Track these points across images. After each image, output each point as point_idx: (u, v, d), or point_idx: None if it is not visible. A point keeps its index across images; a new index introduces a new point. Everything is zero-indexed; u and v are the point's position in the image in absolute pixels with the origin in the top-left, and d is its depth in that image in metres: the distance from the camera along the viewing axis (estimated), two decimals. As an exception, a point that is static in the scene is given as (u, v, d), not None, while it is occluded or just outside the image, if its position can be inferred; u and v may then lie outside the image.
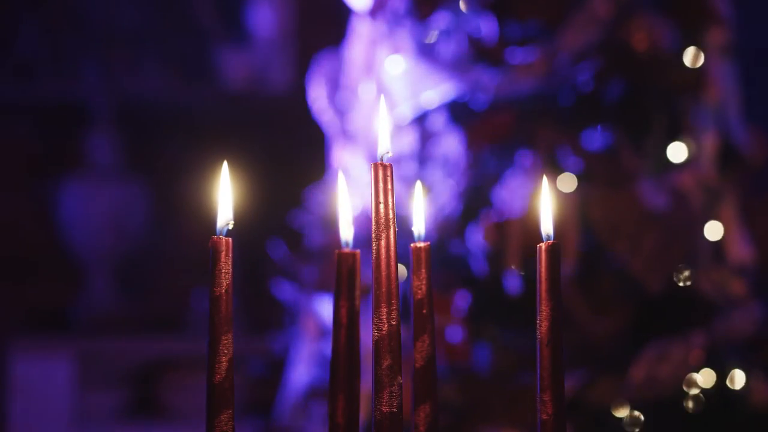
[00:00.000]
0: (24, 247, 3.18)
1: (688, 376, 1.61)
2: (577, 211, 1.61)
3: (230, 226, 0.72)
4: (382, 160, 0.72)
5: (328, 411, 0.70)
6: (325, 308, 1.79)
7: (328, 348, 1.55)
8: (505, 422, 1.63)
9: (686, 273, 1.64)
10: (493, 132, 1.69)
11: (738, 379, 1.64)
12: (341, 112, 1.87)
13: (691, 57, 1.69)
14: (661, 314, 1.67)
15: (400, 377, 0.70)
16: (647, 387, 1.58)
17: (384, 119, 0.73)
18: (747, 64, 1.81)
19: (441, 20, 1.75)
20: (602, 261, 1.65)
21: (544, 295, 0.72)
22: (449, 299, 1.68)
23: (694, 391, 1.62)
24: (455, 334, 1.67)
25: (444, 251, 1.70)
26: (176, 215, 3.23)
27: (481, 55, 1.71)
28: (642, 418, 1.59)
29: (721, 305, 1.66)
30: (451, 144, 1.72)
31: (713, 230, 1.68)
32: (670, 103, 1.69)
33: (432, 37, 1.75)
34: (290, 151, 3.02)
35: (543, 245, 0.72)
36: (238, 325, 2.81)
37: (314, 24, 3.01)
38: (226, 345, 0.70)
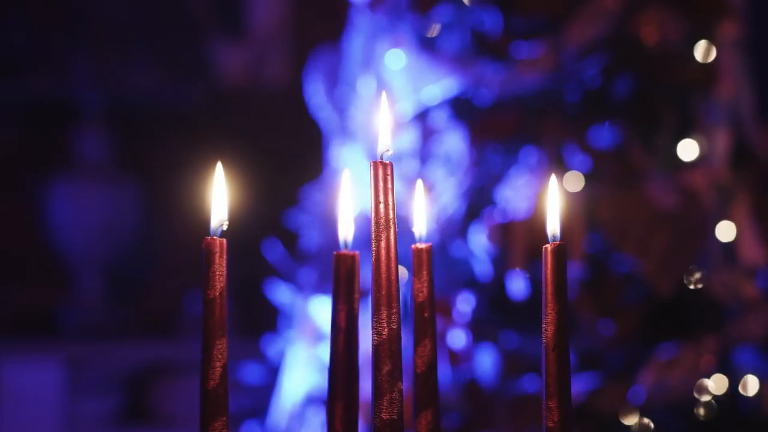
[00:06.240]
0: (11, 248, 3.16)
1: (700, 381, 1.58)
2: (584, 211, 1.59)
3: (225, 227, 0.71)
4: (382, 158, 0.70)
5: (327, 418, 0.69)
6: (322, 311, 1.76)
7: (325, 353, 1.51)
8: (509, 430, 1.59)
9: (697, 275, 1.60)
10: (497, 129, 1.66)
11: (751, 384, 1.61)
12: (340, 109, 1.85)
13: (702, 51, 1.65)
14: (671, 317, 1.64)
15: (400, 383, 0.69)
16: (657, 393, 1.55)
17: (384, 116, 0.72)
18: (760, 58, 1.78)
19: (443, 13, 1.72)
20: (610, 262, 1.63)
21: (550, 297, 0.71)
22: (451, 302, 1.65)
23: (706, 398, 1.58)
24: (458, 338, 1.64)
25: (446, 252, 1.67)
26: (169, 215, 3.21)
27: (484, 49, 1.68)
28: (652, 425, 1.56)
29: (733, 308, 1.63)
30: (453, 141, 1.69)
31: (725, 231, 1.65)
32: (681, 99, 1.67)
33: (434, 30, 1.72)
34: (287, 149, 3.01)
35: (549, 246, 0.71)
36: (232, 329, 2.77)
37: (312, 17, 2.99)
38: (221, 350, 0.69)
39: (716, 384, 1.60)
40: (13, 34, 3.01)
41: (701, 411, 1.59)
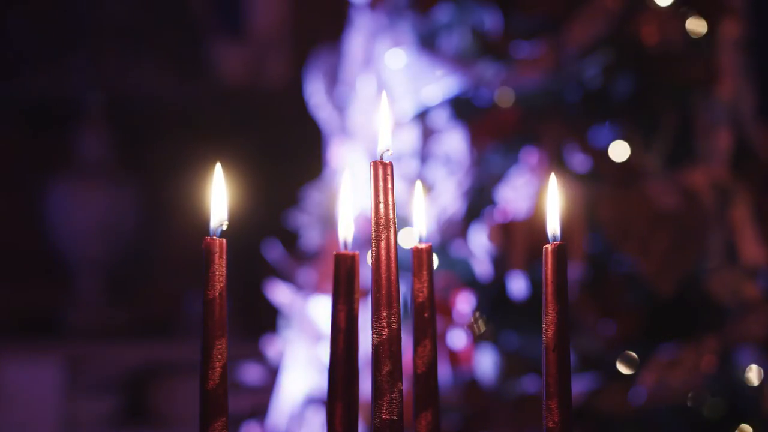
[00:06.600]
0: (11, 248, 3.15)
1: (700, 381, 1.57)
2: (584, 211, 1.58)
3: (224, 227, 0.71)
4: (382, 158, 0.70)
5: (327, 418, 0.68)
6: (322, 312, 1.75)
7: (325, 353, 1.50)
8: (509, 431, 1.59)
9: (698, 275, 1.60)
10: (497, 129, 1.65)
11: (751, 384, 1.61)
12: (340, 108, 1.84)
13: (703, 51, 1.65)
14: (672, 318, 1.63)
15: (400, 383, 0.69)
16: (658, 394, 1.54)
17: (384, 115, 0.72)
18: (761, 57, 1.77)
19: (443, 12, 1.71)
20: (611, 263, 1.62)
21: (550, 298, 0.71)
22: (452, 302, 1.64)
23: (707, 398, 1.58)
24: (458, 338, 1.63)
25: (446, 253, 1.66)
26: (168, 215, 3.20)
27: (485, 48, 1.68)
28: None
29: (733, 308, 1.63)
30: (453, 141, 1.68)
31: (726, 231, 1.65)
32: (681, 99, 1.66)
33: (434, 29, 1.71)
34: (287, 149, 3.00)
35: (549, 246, 0.71)
36: (232, 330, 2.76)
37: (312, 16, 2.99)
38: (220, 350, 0.69)
39: (717, 384, 1.59)
40: (12, 33, 3.00)
41: (702, 411, 1.59)
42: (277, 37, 3.02)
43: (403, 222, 1.58)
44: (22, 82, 3.04)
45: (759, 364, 1.63)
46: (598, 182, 1.61)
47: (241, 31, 3.07)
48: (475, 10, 1.69)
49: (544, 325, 0.70)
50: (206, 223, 0.71)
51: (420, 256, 0.76)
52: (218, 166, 0.72)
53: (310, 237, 1.87)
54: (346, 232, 0.71)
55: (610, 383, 1.58)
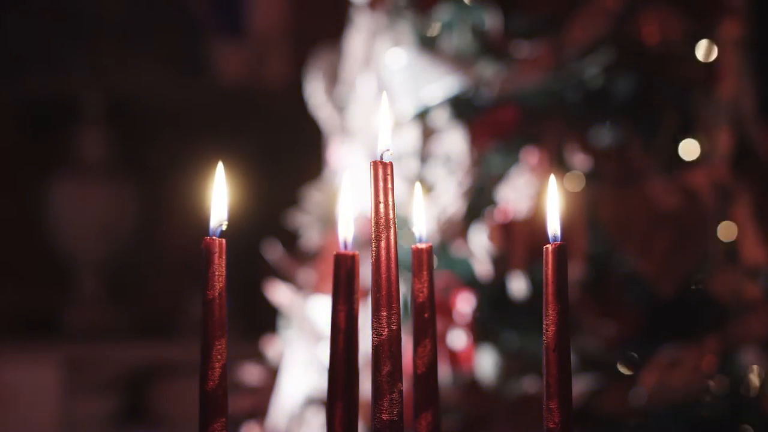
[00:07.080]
0: (11, 248, 3.15)
1: (701, 382, 1.57)
2: (585, 211, 1.58)
3: (224, 227, 0.71)
4: (382, 157, 0.70)
5: (326, 419, 0.68)
6: (322, 312, 1.75)
7: (325, 353, 1.50)
8: (510, 431, 1.59)
9: (699, 275, 1.60)
10: (497, 129, 1.65)
11: (752, 385, 1.60)
12: (340, 108, 1.84)
13: (703, 51, 1.65)
14: (672, 318, 1.63)
15: (400, 384, 0.69)
16: (659, 394, 1.54)
17: (384, 115, 0.72)
18: (762, 57, 1.77)
19: (443, 12, 1.71)
20: (611, 263, 1.62)
21: (550, 298, 0.71)
22: (452, 302, 1.64)
23: (707, 398, 1.58)
24: (458, 339, 1.63)
25: (447, 253, 1.66)
26: (168, 215, 3.20)
27: (485, 48, 1.67)
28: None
29: (734, 308, 1.62)
30: (453, 141, 1.68)
31: (726, 231, 1.65)
32: (682, 99, 1.66)
33: (434, 29, 1.71)
34: (286, 149, 3.00)
35: (550, 246, 0.71)
36: (232, 330, 2.76)
37: (312, 16, 2.99)
38: (220, 350, 0.69)
39: (718, 385, 1.59)
40: (11, 33, 3.00)
41: (702, 412, 1.59)
42: (277, 37, 3.02)
43: (403, 222, 1.58)
44: (22, 82, 3.04)
45: (760, 364, 1.63)
46: (599, 182, 1.61)
47: (241, 31, 3.07)
48: (475, 9, 1.69)
49: (544, 326, 0.70)
50: (206, 223, 0.71)
51: (420, 256, 0.76)
52: (220, 166, 0.72)
53: (310, 237, 1.87)
54: (346, 232, 0.71)
55: (610, 383, 1.58)
